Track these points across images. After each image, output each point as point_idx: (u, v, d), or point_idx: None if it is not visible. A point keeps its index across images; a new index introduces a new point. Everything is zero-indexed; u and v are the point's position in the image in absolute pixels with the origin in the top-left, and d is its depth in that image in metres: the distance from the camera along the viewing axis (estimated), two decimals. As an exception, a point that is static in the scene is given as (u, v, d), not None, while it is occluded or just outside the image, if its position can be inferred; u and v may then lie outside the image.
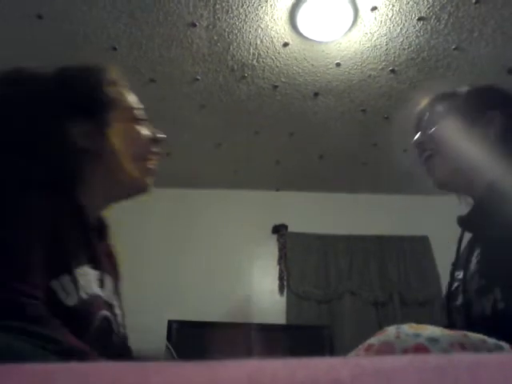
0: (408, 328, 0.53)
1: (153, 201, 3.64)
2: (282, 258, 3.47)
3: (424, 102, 1.07)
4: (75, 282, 0.70)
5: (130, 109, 0.87)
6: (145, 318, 2.68)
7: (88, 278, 0.74)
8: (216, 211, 3.59)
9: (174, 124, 2.94)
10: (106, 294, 0.79)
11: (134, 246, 3.01)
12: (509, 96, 0.99)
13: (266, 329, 2.97)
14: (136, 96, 0.92)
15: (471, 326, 0.81)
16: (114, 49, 2.38)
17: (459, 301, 0.87)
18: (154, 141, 0.90)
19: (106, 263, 0.84)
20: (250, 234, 3.53)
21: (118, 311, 0.82)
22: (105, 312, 0.75)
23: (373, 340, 0.54)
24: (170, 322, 2.92)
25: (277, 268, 3.45)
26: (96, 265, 0.78)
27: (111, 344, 0.77)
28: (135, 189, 0.88)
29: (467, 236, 0.99)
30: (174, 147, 3.15)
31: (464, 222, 0.98)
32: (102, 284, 0.79)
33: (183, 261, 3.42)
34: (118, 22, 2.23)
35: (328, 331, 3.00)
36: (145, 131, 0.88)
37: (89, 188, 0.81)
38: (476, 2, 2.10)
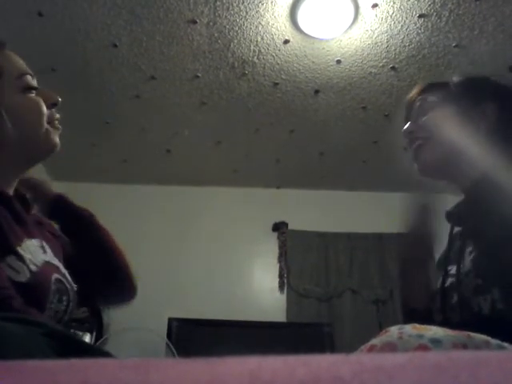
0: (411, 329, 0.53)
1: (153, 198, 3.66)
2: (283, 256, 3.47)
3: (414, 92, 1.04)
4: (21, 258, 0.73)
5: (16, 77, 0.85)
6: (145, 316, 2.68)
7: (32, 250, 0.78)
8: (216, 209, 3.59)
9: (175, 121, 2.93)
10: (49, 258, 0.83)
11: (134, 244, 3.00)
12: (504, 88, 0.96)
13: (267, 326, 2.98)
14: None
15: (467, 323, 0.81)
16: (115, 46, 2.38)
17: (454, 298, 0.87)
18: (52, 105, 0.88)
19: (39, 231, 0.88)
20: (251, 232, 3.53)
21: (63, 270, 0.85)
22: (56, 275, 0.79)
23: (375, 341, 0.53)
24: (170, 320, 2.92)
25: (277, 266, 3.45)
26: (32, 234, 0.82)
27: (68, 302, 0.81)
28: (44, 151, 0.87)
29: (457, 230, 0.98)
30: (174, 144, 3.16)
31: (452, 216, 0.97)
32: (43, 250, 0.83)
33: (183, 258, 3.42)
34: (118, 18, 2.22)
35: (328, 328, 3.01)
36: (37, 98, 0.86)
37: None
38: (477, 0, 2.10)
